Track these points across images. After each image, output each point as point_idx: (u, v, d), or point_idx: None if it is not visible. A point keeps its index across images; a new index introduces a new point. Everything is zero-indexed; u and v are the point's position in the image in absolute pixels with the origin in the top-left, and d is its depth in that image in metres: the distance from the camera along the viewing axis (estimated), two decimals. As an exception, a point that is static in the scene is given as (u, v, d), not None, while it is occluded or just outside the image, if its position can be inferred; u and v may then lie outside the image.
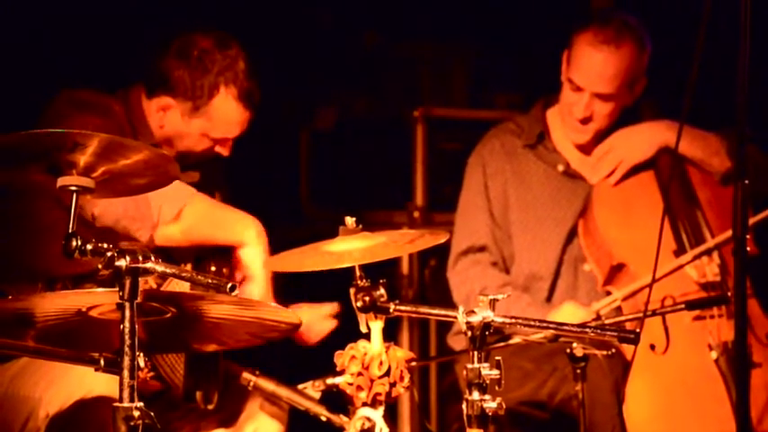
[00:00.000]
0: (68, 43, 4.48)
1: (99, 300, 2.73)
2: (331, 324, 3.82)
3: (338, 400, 3.29)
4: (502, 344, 3.66)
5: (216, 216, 3.59)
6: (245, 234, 3.55)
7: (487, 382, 2.91)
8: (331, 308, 3.82)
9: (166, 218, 3.50)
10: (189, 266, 3.59)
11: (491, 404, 2.91)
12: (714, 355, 4.06)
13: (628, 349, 4.03)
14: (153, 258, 2.62)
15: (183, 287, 3.29)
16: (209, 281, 2.70)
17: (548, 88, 4.50)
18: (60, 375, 3.31)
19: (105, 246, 2.62)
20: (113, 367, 2.62)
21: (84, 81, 3.77)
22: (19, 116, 3.80)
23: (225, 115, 3.76)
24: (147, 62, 3.79)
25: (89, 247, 2.62)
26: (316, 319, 3.81)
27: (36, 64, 4.39)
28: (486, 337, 2.95)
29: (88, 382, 3.24)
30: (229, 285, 2.64)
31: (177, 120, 3.75)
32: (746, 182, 3.02)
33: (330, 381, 3.34)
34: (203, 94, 3.72)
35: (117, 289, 2.60)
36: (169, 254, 3.55)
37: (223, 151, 3.84)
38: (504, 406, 2.92)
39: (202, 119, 3.75)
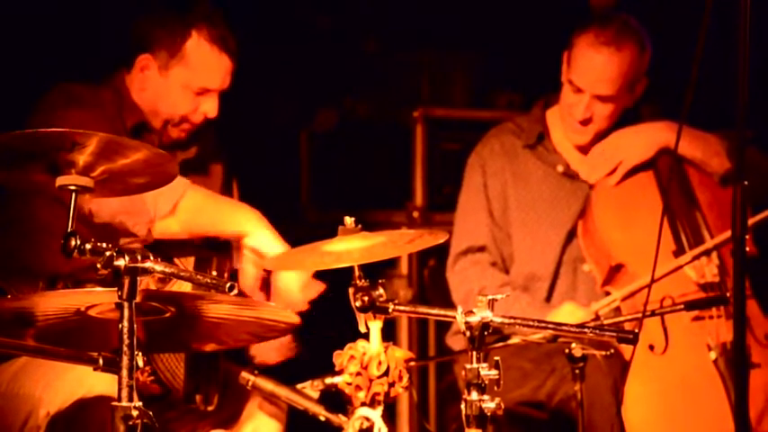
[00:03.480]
0: (58, 36, 4.49)
1: (98, 299, 2.74)
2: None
3: (337, 400, 3.29)
4: (501, 344, 3.66)
5: (213, 207, 3.59)
6: (246, 223, 3.54)
7: (486, 382, 2.91)
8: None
9: (162, 212, 3.50)
10: (190, 266, 3.59)
11: (490, 404, 2.91)
12: (713, 355, 4.06)
13: (627, 349, 4.02)
14: (152, 258, 2.62)
15: (186, 288, 3.29)
16: (209, 280, 2.71)
17: (548, 88, 4.50)
18: (60, 374, 3.30)
19: (104, 245, 2.63)
20: (112, 367, 2.63)
21: (76, 74, 3.78)
22: (12, 110, 3.79)
23: (201, 59, 3.74)
24: (124, 35, 3.80)
25: (88, 246, 2.63)
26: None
27: (28, 58, 4.40)
28: (484, 338, 2.95)
29: (88, 381, 3.24)
30: (228, 285, 2.64)
31: (156, 76, 3.74)
32: (746, 183, 3.01)
33: (329, 380, 3.33)
34: (175, 38, 3.72)
35: (116, 288, 2.61)
36: (169, 254, 3.56)
37: (210, 111, 3.79)
38: (503, 406, 2.92)
39: (179, 66, 3.73)
